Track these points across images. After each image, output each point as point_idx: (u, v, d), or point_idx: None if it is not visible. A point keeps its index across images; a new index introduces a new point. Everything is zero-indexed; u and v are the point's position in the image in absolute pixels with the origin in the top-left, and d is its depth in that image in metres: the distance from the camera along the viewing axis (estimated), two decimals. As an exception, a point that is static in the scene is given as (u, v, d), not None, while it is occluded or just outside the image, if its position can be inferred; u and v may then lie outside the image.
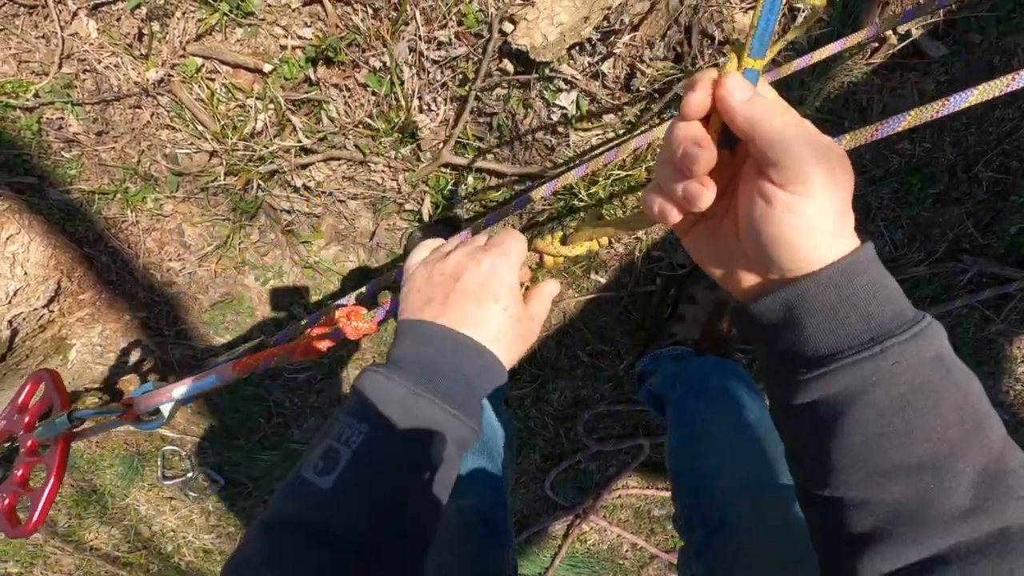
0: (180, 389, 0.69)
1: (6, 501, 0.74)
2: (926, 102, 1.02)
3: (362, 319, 0.62)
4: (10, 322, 1.14)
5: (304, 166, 1.06)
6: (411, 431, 0.46)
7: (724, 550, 0.75)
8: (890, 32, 0.93)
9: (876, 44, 0.95)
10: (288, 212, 1.14)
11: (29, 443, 0.76)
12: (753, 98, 0.35)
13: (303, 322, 0.74)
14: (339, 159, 1.06)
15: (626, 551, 1.80)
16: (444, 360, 0.49)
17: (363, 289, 0.74)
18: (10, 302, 1.13)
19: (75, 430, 0.75)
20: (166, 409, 0.74)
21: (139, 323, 1.26)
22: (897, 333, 0.35)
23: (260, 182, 1.06)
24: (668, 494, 1.63)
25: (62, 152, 1.06)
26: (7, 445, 0.79)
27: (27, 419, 0.78)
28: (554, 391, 1.39)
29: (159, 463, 1.50)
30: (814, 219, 0.35)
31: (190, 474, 1.52)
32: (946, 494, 0.34)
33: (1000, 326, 1.30)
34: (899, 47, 0.95)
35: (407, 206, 1.12)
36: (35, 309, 1.17)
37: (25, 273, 1.14)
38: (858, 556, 0.36)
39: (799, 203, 0.35)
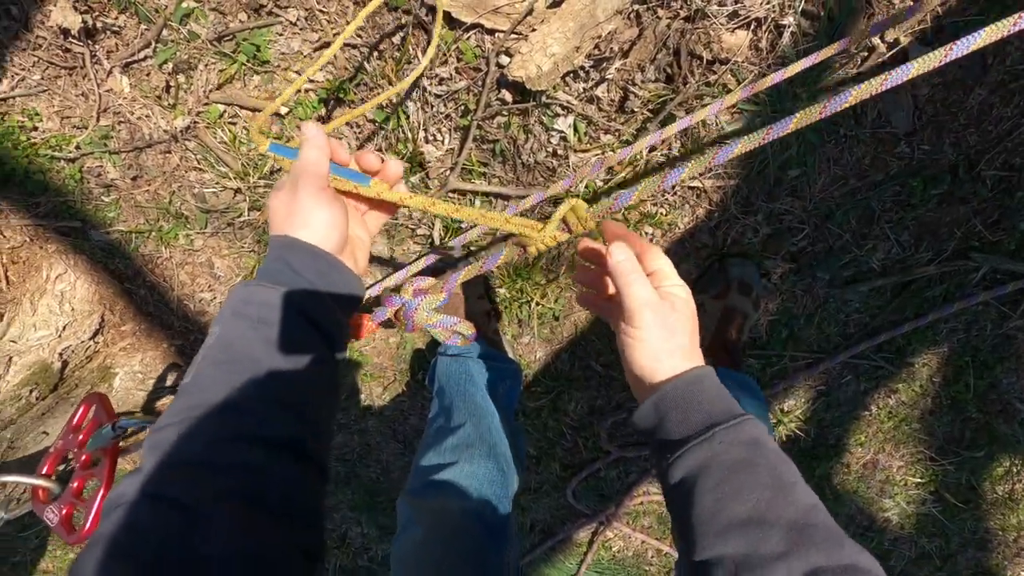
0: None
1: (64, 512, 0.81)
2: (922, 108, 1.03)
3: (368, 320, 0.68)
4: (60, 354, 1.23)
5: (321, 199, 1.13)
6: (245, 316, 0.51)
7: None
8: (878, 40, 0.95)
9: (865, 53, 0.97)
10: (308, 241, 1.20)
11: (83, 458, 0.84)
12: (620, 265, 0.55)
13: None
14: (353, 190, 1.13)
15: (651, 557, 1.81)
16: (271, 256, 0.55)
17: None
18: (60, 336, 1.22)
19: (120, 444, 0.82)
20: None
21: (175, 350, 1.35)
22: (724, 423, 0.50)
23: (281, 216, 1.13)
24: (690, 499, 1.64)
25: (102, 197, 1.15)
26: (63, 466, 0.87)
27: (80, 437, 0.85)
28: (570, 401, 1.43)
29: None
30: (646, 344, 0.54)
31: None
32: (766, 541, 0.44)
33: (1018, 322, 1.29)
34: (889, 55, 0.96)
35: (419, 231, 1.18)
36: (82, 342, 1.26)
37: (72, 309, 1.24)
38: None
39: (636, 334, 0.55)
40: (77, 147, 1.09)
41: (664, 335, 0.54)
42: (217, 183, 1.13)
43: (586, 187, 1.09)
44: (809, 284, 1.25)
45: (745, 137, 0.63)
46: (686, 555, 0.51)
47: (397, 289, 0.74)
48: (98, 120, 1.07)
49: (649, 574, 1.84)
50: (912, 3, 0.91)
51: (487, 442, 1.00)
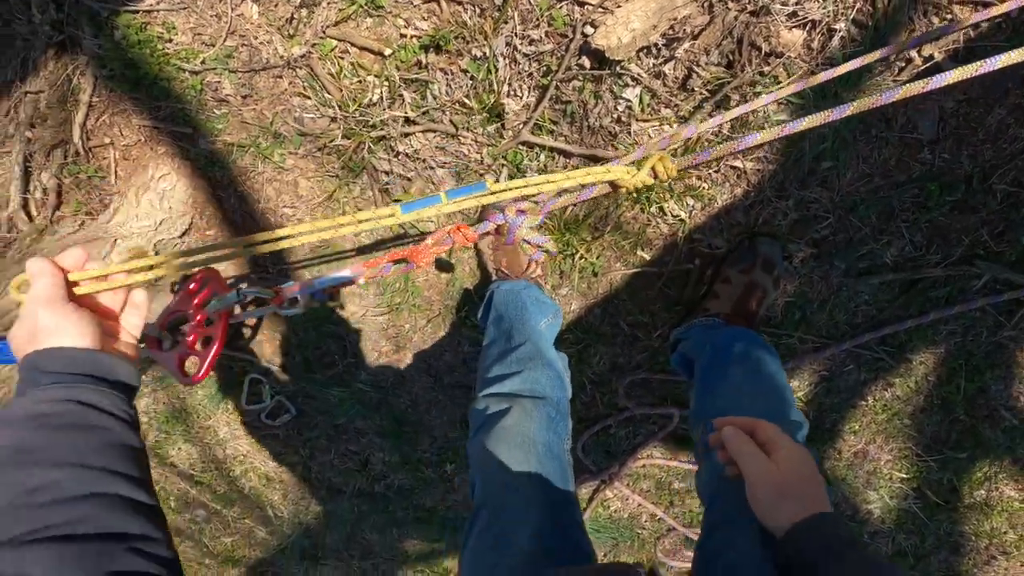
0: (319, 280, 0.91)
1: (179, 357, 0.96)
2: (946, 120, 1.20)
3: (468, 230, 0.82)
4: (154, 245, 1.38)
5: (406, 135, 1.28)
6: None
7: None
8: (915, 53, 1.09)
9: (903, 64, 1.11)
10: (387, 174, 1.35)
11: (198, 317, 0.98)
12: (730, 444, 0.74)
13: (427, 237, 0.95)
14: (436, 131, 1.28)
15: (645, 521, 1.94)
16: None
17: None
18: (156, 229, 1.38)
19: (234, 313, 0.97)
20: (302, 300, 0.95)
21: (250, 260, 1.50)
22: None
23: (370, 144, 1.28)
24: (690, 467, 1.77)
25: (214, 109, 1.31)
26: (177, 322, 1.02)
27: (196, 301, 1.00)
28: (595, 355, 1.57)
29: (244, 389, 1.73)
30: (764, 508, 0.70)
31: (268, 401, 1.74)
32: None
33: (1011, 332, 1.42)
34: (923, 67, 1.10)
35: (487, 176, 1.33)
36: (172, 238, 1.41)
37: (169, 207, 1.39)
38: None
39: (754, 497, 0.71)
40: (202, 62, 1.24)
41: (771, 494, 0.69)
42: (317, 109, 1.28)
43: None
44: (826, 271, 1.38)
45: (810, 116, 0.77)
46: None
47: (500, 209, 0.89)
48: (225, 40, 1.23)
49: (641, 537, 1.97)
50: (948, 23, 1.05)
51: (546, 357, 1.14)
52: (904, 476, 1.70)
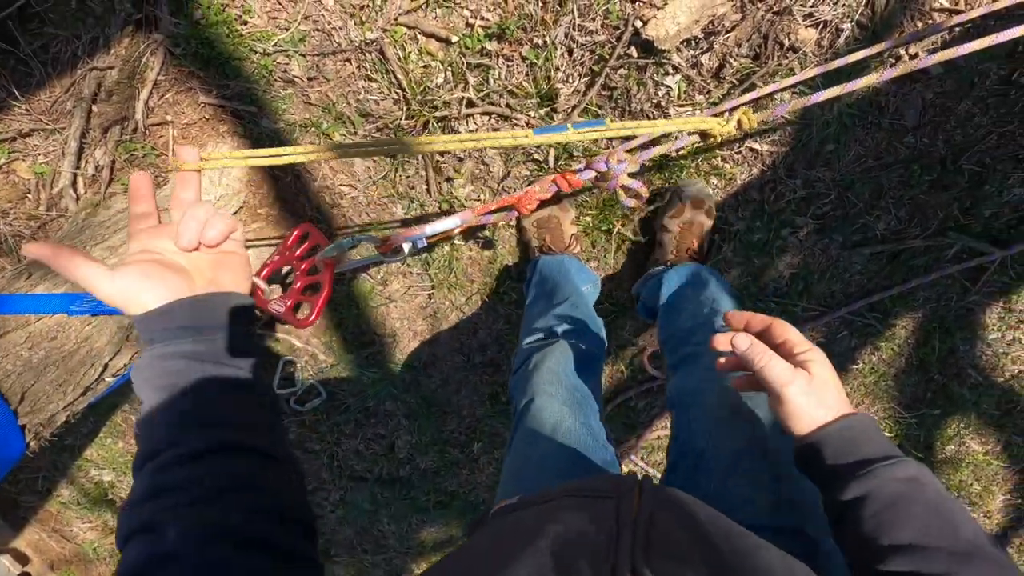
0: (430, 227, 1.00)
1: (289, 303, 1.02)
2: (927, 108, 1.43)
3: (572, 176, 0.94)
4: (212, 220, 1.42)
5: (467, 116, 1.39)
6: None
7: (691, 365, 1.07)
8: (903, 51, 1.32)
9: (893, 60, 1.34)
10: (441, 154, 1.46)
11: (303, 266, 1.05)
12: (748, 353, 0.63)
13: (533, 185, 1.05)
14: (492, 113, 1.40)
15: (658, 493, 2.06)
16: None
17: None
18: (214, 205, 1.42)
19: (338, 262, 1.04)
20: (407, 248, 1.04)
21: (299, 238, 1.55)
22: (881, 462, 0.56)
23: (434, 124, 1.39)
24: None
25: (280, 89, 1.38)
26: (283, 273, 1.08)
27: (298, 252, 1.07)
28: (622, 328, 1.70)
29: (277, 371, 1.75)
30: (796, 415, 0.61)
31: (300, 386, 1.77)
32: (928, 563, 0.49)
33: (975, 296, 1.66)
34: (909, 62, 1.33)
35: (535, 155, 1.46)
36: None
37: (226, 184, 1.44)
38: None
39: (784, 409, 0.61)
40: (275, 44, 1.33)
41: (810, 402, 0.60)
42: (382, 92, 1.38)
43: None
44: (826, 244, 1.58)
45: (866, 76, 0.96)
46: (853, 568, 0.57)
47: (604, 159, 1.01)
48: (299, 24, 1.32)
49: (653, 509, 2.08)
50: (932, 25, 1.28)
51: (588, 310, 1.27)
52: (888, 435, 1.91)
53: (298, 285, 1.04)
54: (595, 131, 0.87)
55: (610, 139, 1.42)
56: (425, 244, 1.05)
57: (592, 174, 0.96)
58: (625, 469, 2.02)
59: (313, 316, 1.00)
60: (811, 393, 0.60)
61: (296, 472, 0.53)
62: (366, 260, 1.08)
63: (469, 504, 2.07)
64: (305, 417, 1.86)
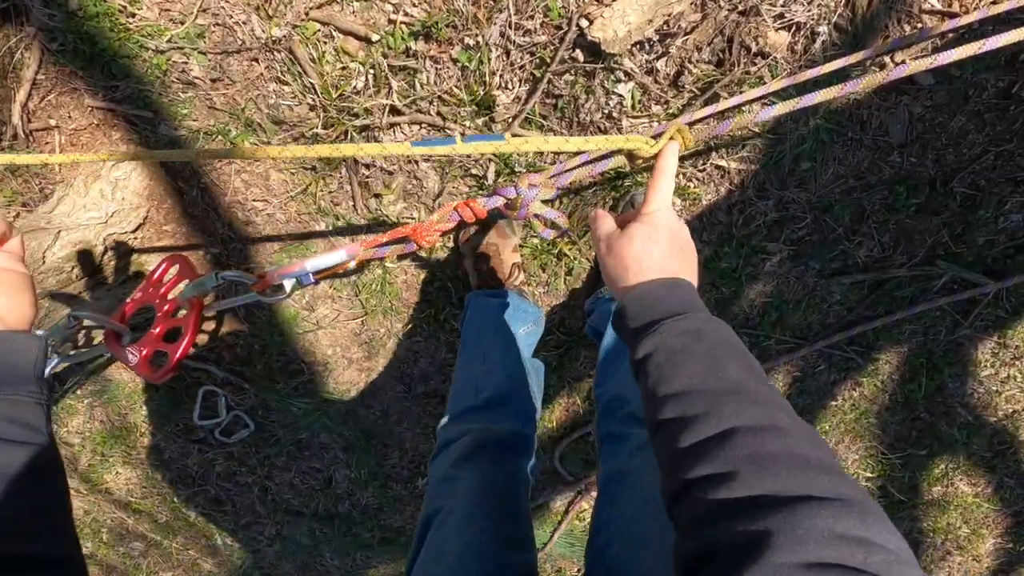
0: (312, 262, 0.84)
1: (144, 352, 0.86)
2: (915, 124, 1.25)
3: (476, 204, 0.78)
4: (104, 240, 1.25)
5: (392, 125, 1.23)
6: None
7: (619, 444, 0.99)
8: (888, 59, 1.15)
9: (877, 68, 1.17)
10: (367, 167, 1.29)
11: (166, 307, 0.88)
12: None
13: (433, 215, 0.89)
14: (422, 123, 1.23)
15: (621, 532, 1.90)
16: None
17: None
18: (107, 222, 1.25)
19: (206, 302, 0.88)
20: (288, 285, 0.87)
21: (211, 258, 1.39)
22: (670, 317, 0.56)
23: (353, 134, 1.22)
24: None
25: (179, 92, 1.21)
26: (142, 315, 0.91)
27: (163, 291, 0.90)
28: (576, 359, 1.54)
29: (197, 402, 1.59)
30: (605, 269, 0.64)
31: (224, 415, 1.61)
32: (692, 406, 0.50)
33: (967, 331, 1.50)
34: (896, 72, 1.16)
35: (472, 171, 1.29)
36: (124, 232, 1.29)
37: (123, 198, 1.27)
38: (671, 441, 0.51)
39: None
40: (169, 40, 1.15)
41: (616, 264, 0.62)
42: (295, 96, 1.21)
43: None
44: (802, 272, 1.42)
45: (824, 90, 0.79)
46: (646, 419, 0.57)
47: (513, 184, 0.85)
48: (196, 18, 1.15)
49: (616, 549, 1.92)
50: (921, 30, 1.11)
51: (516, 374, 1.12)
52: (870, 475, 1.75)
53: (157, 330, 0.88)
54: (490, 145, 0.70)
55: (557, 155, 1.25)
56: (313, 281, 0.88)
57: (501, 201, 0.80)
58: (587, 505, 1.86)
59: (167, 369, 0.84)
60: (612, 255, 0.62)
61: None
62: (240, 300, 0.92)
63: (416, 541, 1.91)
64: (233, 449, 1.70)
